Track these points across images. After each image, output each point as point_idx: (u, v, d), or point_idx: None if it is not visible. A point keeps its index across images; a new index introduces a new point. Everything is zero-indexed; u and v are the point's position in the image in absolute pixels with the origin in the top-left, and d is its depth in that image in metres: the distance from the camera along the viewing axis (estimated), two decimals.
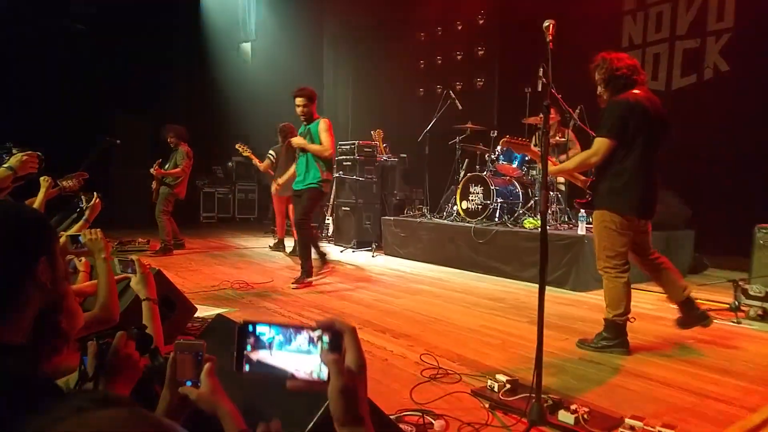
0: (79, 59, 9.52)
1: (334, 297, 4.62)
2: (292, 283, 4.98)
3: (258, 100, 11.99)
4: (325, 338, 0.80)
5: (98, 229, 2.22)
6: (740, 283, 3.97)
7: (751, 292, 3.92)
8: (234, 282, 5.07)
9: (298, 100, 5.08)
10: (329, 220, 8.36)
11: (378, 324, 3.76)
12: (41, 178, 3.21)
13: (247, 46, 12.76)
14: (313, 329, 0.81)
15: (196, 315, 3.37)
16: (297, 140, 5.13)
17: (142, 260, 2.17)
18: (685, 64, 7.19)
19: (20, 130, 4.65)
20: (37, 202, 3.09)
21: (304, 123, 5.17)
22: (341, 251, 7.42)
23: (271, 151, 7.49)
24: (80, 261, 2.28)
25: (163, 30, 10.37)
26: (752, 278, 3.94)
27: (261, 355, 0.85)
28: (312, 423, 1.41)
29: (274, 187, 7.09)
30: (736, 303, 3.97)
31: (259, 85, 12.20)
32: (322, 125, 5.06)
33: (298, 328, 0.83)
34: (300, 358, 0.82)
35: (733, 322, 3.89)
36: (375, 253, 7.10)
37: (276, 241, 7.56)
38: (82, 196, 3.21)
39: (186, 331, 3.19)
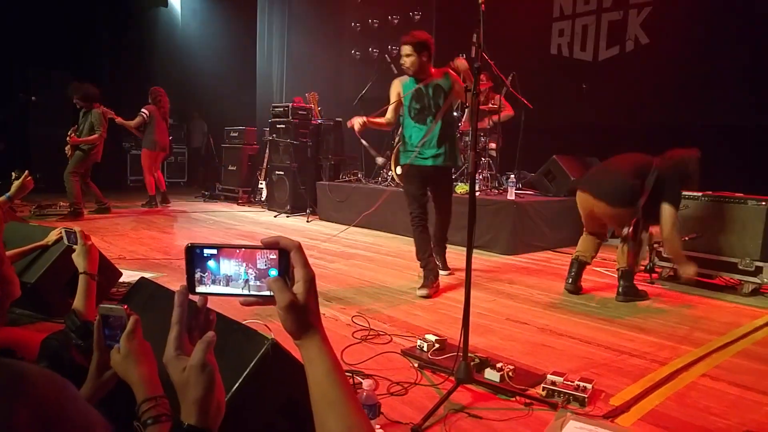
0: None
1: None
2: None
3: (187, 60, 11.39)
4: (272, 256, 0.83)
5: None
6: (655, 246, 4.22)
7: (664, 254, 4.20)
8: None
9: (406, 49, 3.93)
10: (262, 185, 8.17)
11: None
12: None
13: (176, 4, 12.01)
14: (260, 248, 0.82)
15: (121, 280, 3.22)
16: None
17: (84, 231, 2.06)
18: (609, 35, 7.43)
19: None
20: None
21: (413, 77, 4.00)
22: (275, 216, 7.29)
23: (144, 110, 7.59)
24: (79, 233, 2.09)
25: None
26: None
27: (209, 277, 0.85)
28: (237, 383, 1.37)
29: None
30: (651, 264, 4.24)
31: (188, 44, 11.56)
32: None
33: (244, 249, 0.83)
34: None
35: (648, 282, 4.16)
36: (310, 218, 7.01)
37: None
38: (12, 172, 2.99)
39: (110, 296, 3.04)
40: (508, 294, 3.75)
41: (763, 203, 3.86)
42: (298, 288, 0.81)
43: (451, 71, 3.93)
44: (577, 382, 2.16)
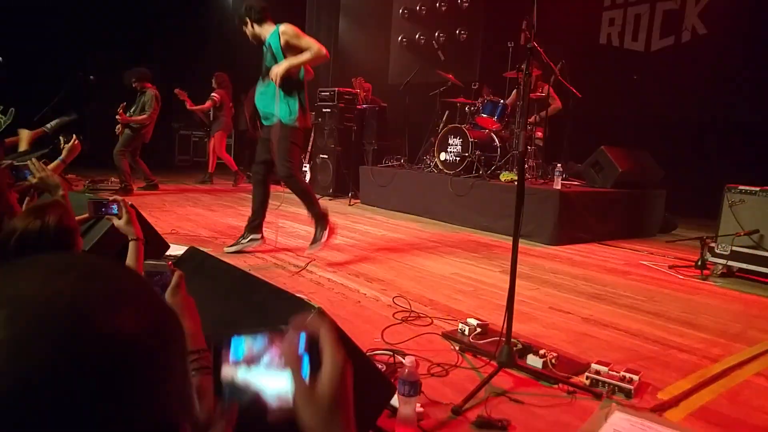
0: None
1: (309, 241, 4.58)
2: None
3: (239, 42, 11.53)
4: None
5: (43, 165, 2.14)
6: (707, 241, 4.06)
7: (717, 250, 4.02)
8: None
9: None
10: (306, 168, 8.25)
11: (352, 268, 3.76)
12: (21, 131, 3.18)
13: None
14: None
15: (168, 253, 3.31)
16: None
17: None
18: (664, 25, 7.15)
19: None
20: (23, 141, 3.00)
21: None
22: (318, 199, 7.35)
23: (214, 94, 7.97)
24: (119, 205, 2.13)
25: None
26: (719, 237, 4.03)
27: (237, 373, 0.68)
28: None
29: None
30: (703, 260, 4.07)
31: (237, 29, 11.73)
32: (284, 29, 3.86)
33: (271, 338, 0.67)
34: (275, 377, 0.66)
35: (699, 278, 4.00)
36: (352, 202, 7.06)
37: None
38: (61, 137, 3.11)
39: None
40: (551, 283, 3.68)
41: None
42: (324, 381, 0.63)
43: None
44: (622, 373, 2.11)
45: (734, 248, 3.93)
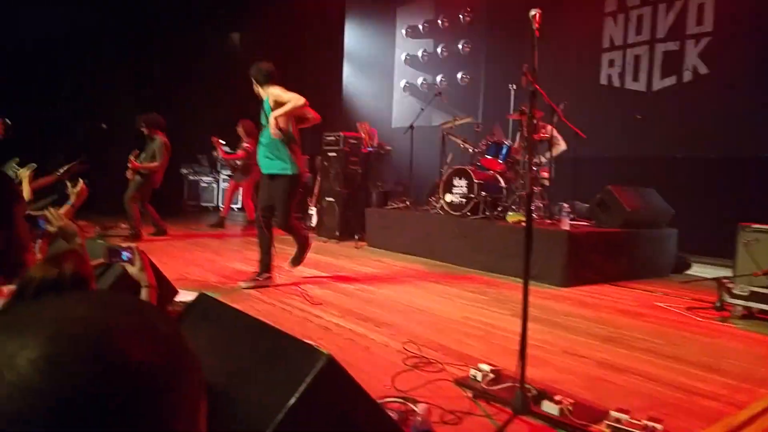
0: (69, 46, 9.33)
1: (316, 285, 4.55)
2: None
3: (246, 90, 11.79)
4: None
5: (63, 213, 2.16)
6: (724, 281, 3.98)
7: (736, 291, 3.92)
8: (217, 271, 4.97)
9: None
10: (313, 211, 8.28)
11: (360, 313, 3.70)
12: (23, 169, 3.23)
13: (236, 36, 12.60)
14: None
15: (177, 299, 3.28)
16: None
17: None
18: (665, 66, 7.25)
19: (6, 113, 4.52)
20: (25, 184, 3.03)
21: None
22: (324, 242, 7.34)
23: (246, 144, 8.10)
24: (133, 251, 2.15)
25: (151, 16, 10.17)
26: (736, 277, 3.95)
27: None
28: (291, 401, 1.35)
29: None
30: (721, 302, 3.98)
31: (247, 74, 12.02)
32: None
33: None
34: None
35: (719, 320, 3.89)
36: (358, 245, 7.03)
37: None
38: (68, 183, 3.16)
39: (168, 312, 3.11)
40: (563, 326, 3.61)
41: None
42: None
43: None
44: (645, 422, 2.02)
45: (754, 289, 3.82)
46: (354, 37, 11.23)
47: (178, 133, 7.61)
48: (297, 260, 4.74)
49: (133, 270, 2.04)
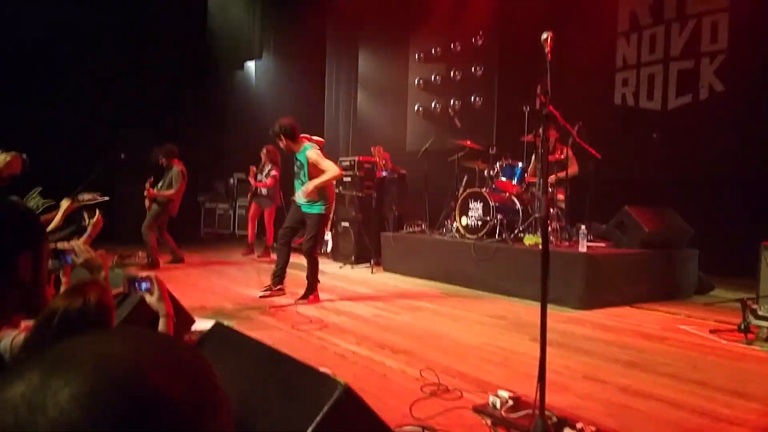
0: (88, 78, 9.62)
1: (332, 312, 4.54)
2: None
3: (261, 117, 12.03)
4: None
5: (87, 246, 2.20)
6: (748, 303, 3.87)
7: (761, 312, 3.80)
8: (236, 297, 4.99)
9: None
10: (328, 236, 8.30)
11: (377, 339, 3.68)
12: (63, 201, 3.32)
13: (251, 65, 12.88)
14: None
15: (193, 328, 3.30)
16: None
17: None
18: (680, 84, 7.21)
19: (28, 145, 4.64)
20: (56, 220, 3.10)
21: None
22: (340, 267, 7.35)
23: (274, 172, 8.08)
24: (152, 281, 2.20)
25: (169, 48, 10.45)
26: (761, 297, 3.84)
27: None
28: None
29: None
30: (746, 323, 3.87)
31: (262, 101, 12.27)
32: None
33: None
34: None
35: (744, 343, 3.78)
36: (374, 269, 7.02)
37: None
38: (85, 213, 3.22)
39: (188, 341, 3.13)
40: (584, 350, 3.54)
41: None
42: None
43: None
44: None
45: None
46: (367, 63, 11.40)
47: (195, 161, 7.73)
48: (305, 296, 5.00)
49: (151, 299, 2.06)
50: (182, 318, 3.11)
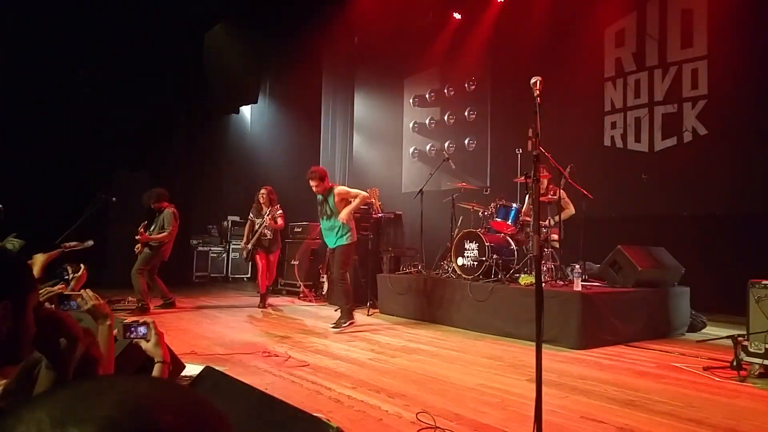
0: (82, 119, 9.75)
1: (328, 356, 4.51)
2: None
3: (255, 160, 12.20)
4: None
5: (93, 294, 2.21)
6: (739, 339, 3.90)
7: (751, 349, 3.83)
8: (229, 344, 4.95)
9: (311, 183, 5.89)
10: (324, 279, 8.29)
11: (373, 383, 3.65)
12: (37, 256, 3.31)
13: (246, 109, 13.14)
14: None
15: (184, 373, 3.27)
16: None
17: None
18: (665, 127, 7.42)
19: (22, 188, 4.69)
20: (37, 266, 3.09)
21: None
22: (336, 310, 7.30)
23: (281, 211, 7.76)
24: (149, 327, 2.21)
25: (165, 91, 10.66)
26: (750, 334, 3.87)
27: None
28: None
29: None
30: (738, 360, 3.88)
31: (257, 145, 12.46)
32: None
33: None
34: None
35: (737, 380, 3.79)
36: (370, 312, 6.99)
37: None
38: (68, 267, 3.19)
39: None
40: (581, 390, 3.52)
41: None
42: None
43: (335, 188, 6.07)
44: None
45: None
46: (363, 107, 11.66)
47: (188, 204, 7.77)
48: (338, 325, 5.80)
49: (148, 345, 2.06)
50: (173, 363, 3.09)
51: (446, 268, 6.77)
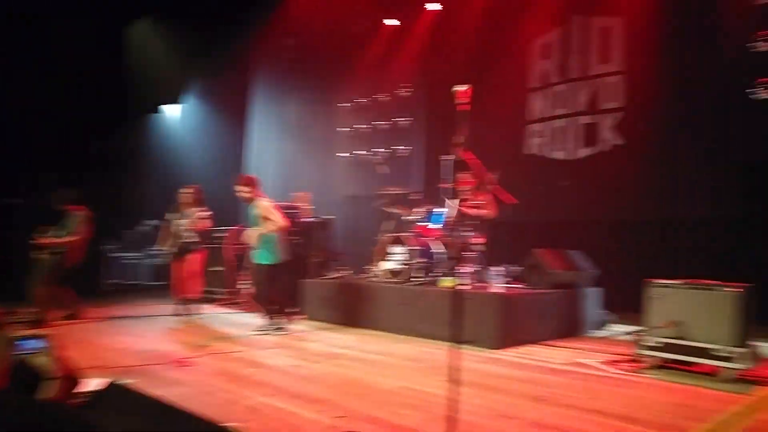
0: None
1: (246, 364, 4.37)
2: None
3: (179, 164, 11.72)
4: None
5: None
6: (638, 335, 4.21)
7: (647, 344, 4.17)
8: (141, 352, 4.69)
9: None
10: (247, 285, 8.06)
11: (293, 390, 3.58)
12: None
13: (170, 109, 12.62)
14: None
15: (86, 388, 3.06)
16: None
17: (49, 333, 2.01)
18: (584, 136, 7.85)
19: None
20: None
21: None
22: (259, 316, 7.12)
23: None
24: (43, 341, 2.01)
25: (80, 88, 10.03)
26: (646, 330, 4.19)
27: None
28: None
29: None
30: (637, 354, 4.19)
31: (182, 147, 11.98)
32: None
33: None
34: None
35: (636, 372, 4.08)
36: (296, 318, 6.87)
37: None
38: None
39: (72, 405, 2.88)
40: (498, 389, 3.63)
41: (733, 290, 3.92)
42: None
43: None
44: None
45: (663, 340, 4.09)
46: (297, 111, 11.50)
47: (101, 207, 7.23)
48: (262, 330, 5.85)
49: (40, 360, 1.92)
50: (68, 380, 2.89)
51: (372, 272, 6.78)
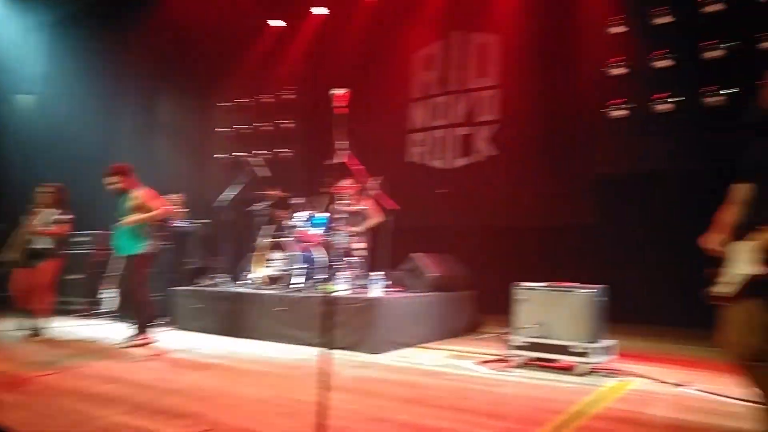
0: None
1: (103, 380, 3.97)
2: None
3: (34, 162, 10.52)
4: None
5: None
6: (505, 335, 4.46)
7: (514, 343, 4.45)
8: None
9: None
10: (108, 294, 7.38)
11: (155, 405, 3.30)
12: None
13: (25, 99, 11.29)
14: None
15: None
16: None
17: None
18: (461, 147, 8.27)
19: None
20: None
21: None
22: (127, 326, 6.56)
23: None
24: None
25: None
26: (512, 330, 4.46)
27: None
28: None
29: None
30: (505, 354, 4.43)
31: (38, 144, 10.76)
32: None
33: None
34: None
35: (501, 371, 4.33)
36: (166, 328, 6.42)
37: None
38: None
39: None
40: (372, 393, 3.64)
41: (588, 291, 4.30)
42: None
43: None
44: None
45: (529, 340, 4.39)
46: (170, 108, 10.83)
47: None
48: (128, 341, 5.38)
49: None
50: None
51: (250, 278, 6.54)
